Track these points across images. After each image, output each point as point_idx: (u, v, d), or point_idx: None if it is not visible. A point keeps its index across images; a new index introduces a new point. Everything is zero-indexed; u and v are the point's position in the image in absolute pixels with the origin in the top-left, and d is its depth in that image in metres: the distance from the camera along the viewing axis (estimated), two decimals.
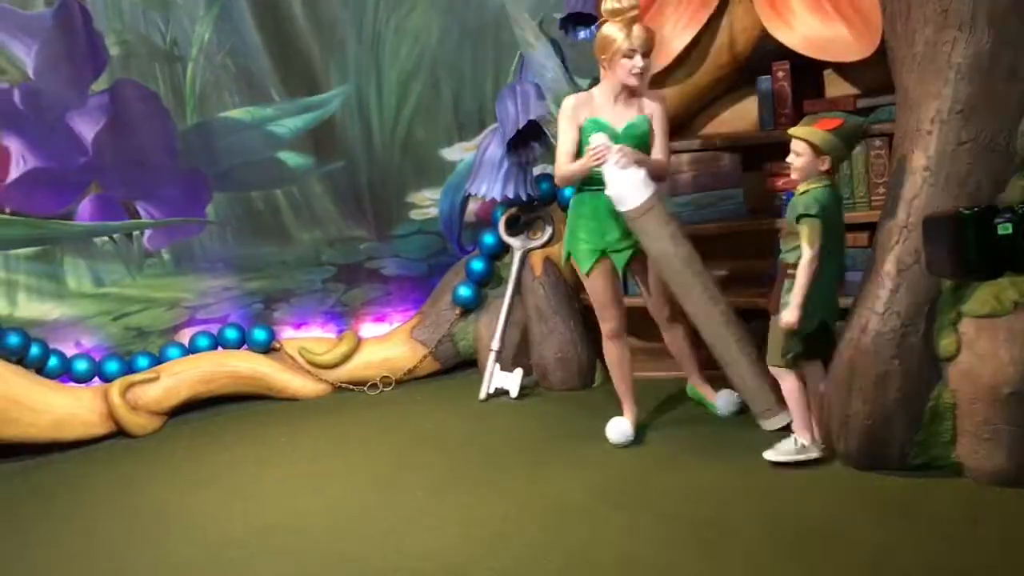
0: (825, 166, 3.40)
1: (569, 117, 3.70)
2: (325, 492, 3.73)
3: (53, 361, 4.55)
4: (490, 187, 4.38)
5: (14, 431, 4.24)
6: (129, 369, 4.71)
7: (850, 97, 4.19)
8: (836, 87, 4.36)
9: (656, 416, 4.10)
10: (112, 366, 4.67)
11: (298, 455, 4.15)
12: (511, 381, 4.51)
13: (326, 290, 5.24)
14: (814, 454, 3.47)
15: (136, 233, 4.92)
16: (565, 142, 3.71)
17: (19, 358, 4.40)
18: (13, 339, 4.34)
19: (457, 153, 5.17)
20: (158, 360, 4.79)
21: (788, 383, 3.52)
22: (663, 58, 4.32)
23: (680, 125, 4.70)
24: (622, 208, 3.60)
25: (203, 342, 4.88)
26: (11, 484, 4.16)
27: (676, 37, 4.31)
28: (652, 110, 3.75)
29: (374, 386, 4.84)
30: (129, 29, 4.81)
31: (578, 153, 3.69)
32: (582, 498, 3.45)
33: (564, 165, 3.70)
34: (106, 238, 4.87)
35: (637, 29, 3.61)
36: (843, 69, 4.29)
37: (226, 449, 4.31)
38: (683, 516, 3.25)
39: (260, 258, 5.14)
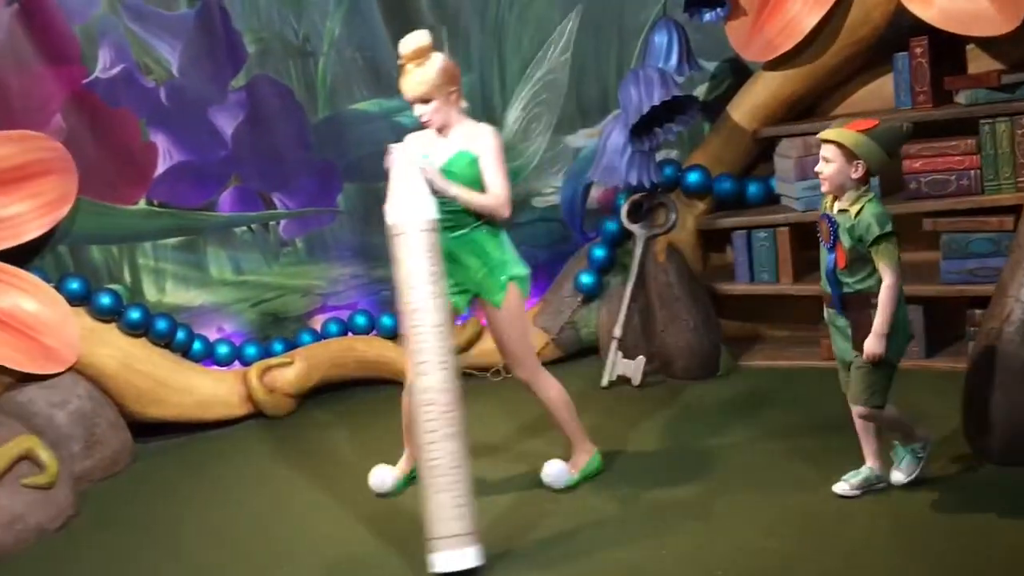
0: (859, 173, 3.01)
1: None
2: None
3: (197, 345, 4.79)
4: (615, 174, 4.36)
5: (162, 411, 4.50)
6: (266, 353, 4.91)
7: (994, 73, 3.99)
8: (979, 63, 4.15)
9: (791, 407, 4.01)
10: (251, 350, 4.88)
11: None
12: (633, 369, 4.50)
13: None
14: (883, 483, 3.24)
15: (272, 223, 5.14)
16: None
17: (166, 342, 4.65)
18: (161, 324, 4.59)
19: (579, 140, 5.17)
20: (293, 345, 4.98)
21: (889, 414, 3.20)
22: (791, 38, 4.21)
23: (810, 107, 4.58)
24: (388, 219, 3.31)
25: (334, 328, 5.05)
26: (163, 459, 4.42)
27: (806, 15, 4.19)
28: (475, 145, 3.48)
29: (496, 372, 4.90)
30: (265, 27, 5.00)
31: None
32: (697, 490, 3.42)
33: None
34: (245, 228, 5.10)
35: (409, 76, 3.44)
36: (987, 43, 4.09)
37: (354, 431, 4.45)
38: (813, 513, 3.20)
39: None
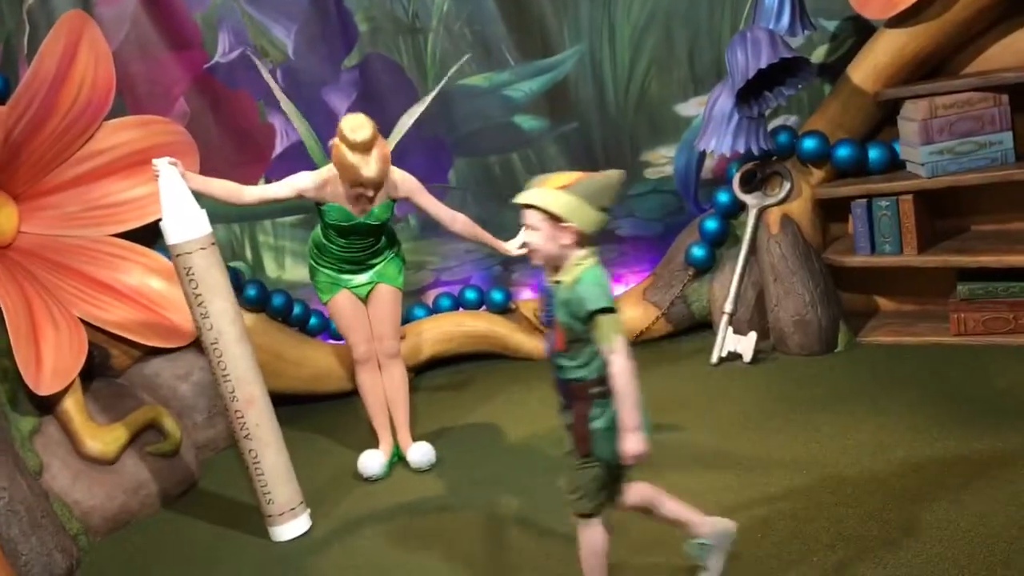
0: (570, 239, 2.46)
1: (292, 185, 3.63)
2: (545, 452, 3.77)
3: (313, 320, 4.94)
4: (720, 142, 4.19)
5: (279, 383, 4.64)
6: None
7: None
8: None
9: (915, 387, 3.78)
10: None
11: (526, 413, 4.25)
12: (745, 345, 4.34)
13: None
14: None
15: None
16: (272, 188, 3.71)
17: (283, 317, 4.82)
18: (278, 300, 4.76)
19: (693, 108, 4.99)
20: (405, 320, 5.06)
21: (594, 535, 2.60)
22: None
23: (937, 65, 4.27)
24: (167, 239, 3.32)
25: (445, 303, 5.11)
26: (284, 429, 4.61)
27: None
28: (404, 188, 3.71)
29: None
30: (375, 5, 5.05)
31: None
32: (807, 475, 3.26)
33: (246, 189, 3.66)
34: None
35: (371, 165, 3.48)
36: None
37: (466, 404, 4.50)
38: (923, 492, 3.00)
39: (499, 221, 5.21)
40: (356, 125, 3.52)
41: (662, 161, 5.19)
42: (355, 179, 3.53)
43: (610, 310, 2.46)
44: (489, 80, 5.16)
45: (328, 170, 3.64)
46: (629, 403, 2.44)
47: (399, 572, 3.15)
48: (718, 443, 3.62)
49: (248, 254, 5.01)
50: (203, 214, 3.38)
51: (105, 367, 4.19)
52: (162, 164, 3.36)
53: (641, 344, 4.82)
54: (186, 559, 3.52)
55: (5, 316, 3.59)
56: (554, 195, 2.48)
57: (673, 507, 2.71)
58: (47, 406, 3.78)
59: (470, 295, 5.10)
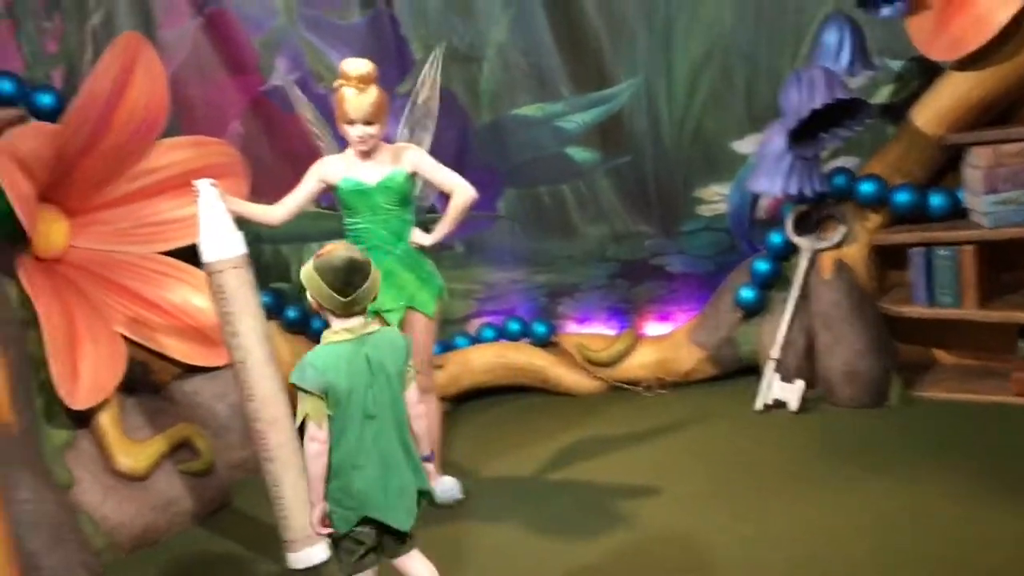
0: (316, 307, 2.61)
1: (312, 173, 3.75)
2: (574, 494, 3.70)
3: None
4: (772, 183, 4.08)
5: None
6: None
7: None
8: None
9: (971, 448, 3.61)
10: None
11: (559, 451, 4.15)
12: (791, 393, 4.19)
13: (610, 286, 5.20)
14: None
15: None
16: (296, 192, 3.77)
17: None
18: (317, 324, 4.76)
19: (749, 146, 4.87)
20: (447, 348, 5.04)
21: None
22: (982, 34, 3.75)
23: (1004, 112, 4.08)
24: (202, 258, 3.38)
25: (488, 333, 5.05)
26: None
27: (999, 8, 3.72)
28: (410, 159, 3.72)
29: (648, 387, 4.73)
30: (432, 34, 5.05)
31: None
32: (842, 538, 3.10)
33: (274, 208, 3.74)
34: None
35: (361, 99, 3.54)
36: None
37: (501, 438, 4.42)
38: (964, 568, 2.82)
39: (546, 252, 5.22)
40: (356, 61, 3.60)
41: (716, 198, 5.07)
42: (345, 114, 3.57)
43: (301, 389, 2.57)
44: (542, 110, 5.11)
45: (340, 154, 3.78)
46: (311, 476, 2.62)
47: None
48: (753, 494, 3.49)
49: (294, 276, 5.03)
50: (239, 235, 3.40)
51: (146, 382, 4.23)
52: (203, 185, 3.40)
53: (685, 386, 4.71)
54: None
55: (43, 330, 3.64)
56: (305, 267, 2.63)
57: None
58: (83, 420, 3.83)
59: (513, 326, 5.04)
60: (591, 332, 5.06)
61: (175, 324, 4.30)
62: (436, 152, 5.17)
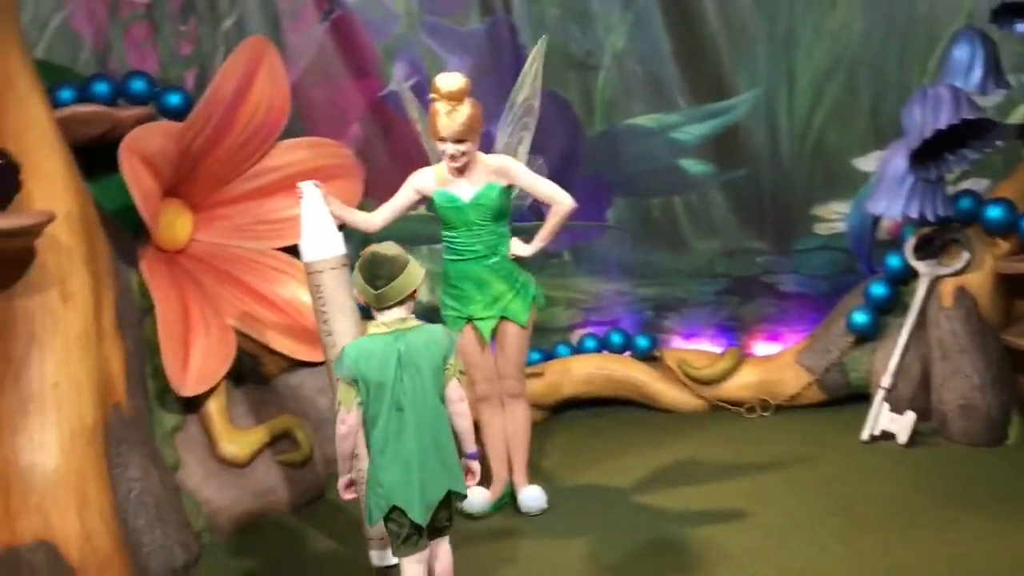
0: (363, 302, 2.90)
1: (409, 183, 3.79)
2: (659, 514, 3.64)
3: None
4: (891, 204, 3.89)
5: None
6: None
7: None
8: None
9: None
10: None
11: (651, 468, 4.09)
12: (901, 425, 3.99)
13: (719, 302, 5.08)
14: None
15: None
16: (392, 201, 3.83)
17: None
18: None
19: (872, 163, 4.66)
20: (549, 356, 5.02)
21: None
22: None
23: None
24: (303, 257, 3.49)
25: (589, 344, 5.02)
26: None
27: None
28: (500, 173, 3.68)
29: (751, 409, 4.59)
30: (550, 41, 5.07)
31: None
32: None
33: (373, 215, 3.85)
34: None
35: (452, 116, 3.53)
36: None
37: (594, 451, 4.37)
38: None
39: (654, 265, 5.14)
40: (449, 75, 3.62)
41: (834, 216, 4.88)
42: (436, 131, 3.59)
43: (341, 380, 2.83)
44: (657, 121, 5.03)
45: (436, 166, 3.80)
46: (338, 456, 2.93)
47: None
48: (846, 530, 3.34)
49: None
50: (339, 236, 3.50)
51: (254, 374, 4.40)
52: (307, 187, 3.52)
53: (789, 410, 4.55)
54: (298, 567, 3.62)
55: (158, 319, 3.84)
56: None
57: None
58: (192, 406, 4.01)
59: (615, 338, 4.98)
60: (695, 348, 4.96)
61: (284, 319, 4.45)
62: (548, 159, 5.22)
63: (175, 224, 4.27)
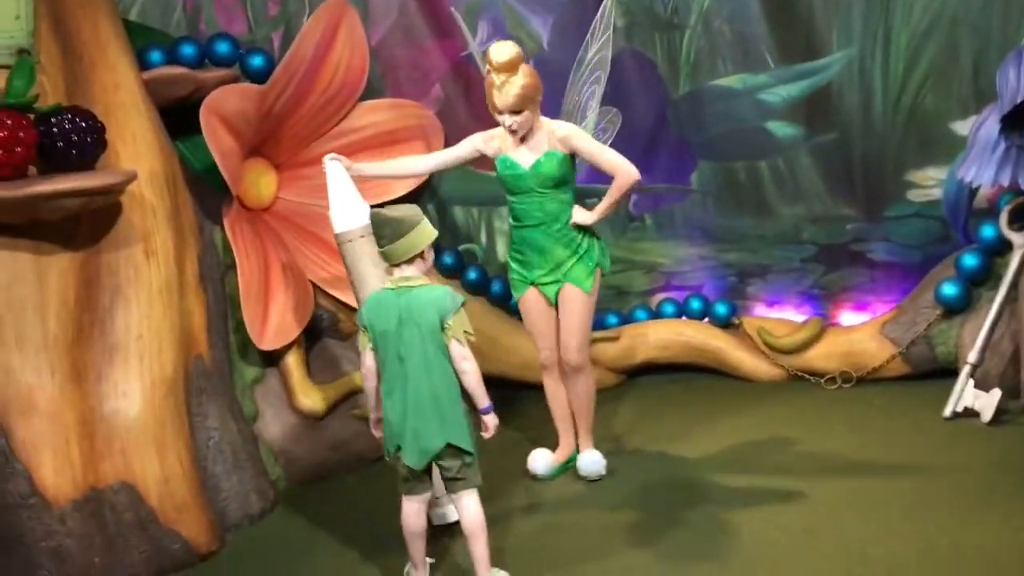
0: None
1: (471, 140, 3.79)
2: (722, 484, 3.59)
3: None
4: (980, 172, 3.70)
5: (490, 367, 4.70)
6: (598, 325, 4.97)
7: None
8: None
9: None
10: None
11: (721, 437, 4.04)
12: (985, 402, 3.82)
13: (804, 270, 4.93)
14: None
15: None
16: (449, 150, 3.92)
17: (501, 304, 4.89)
18: (496, 286, 4.84)
19: (969, 127, 4.43)
20: (626, 320, 4.99)
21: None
22: None
23: None
24: (334, 228, 3.56)
25: (668, 309, 4.95)
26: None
27: None
28: (564, 142, 3.63)
29: (831, 380, 4.46)
30: (635, 0, 4.97)
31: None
32: (1005, 565, 2.82)
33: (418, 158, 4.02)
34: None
35: (505, 88, 3.48)
36: None
37: (665, 418, 4.35)
38: None
39: (738, 230, 5.02)
40: (501, 47, 3.57)
41: (929, 183, 4.66)
42: (492, 103, 3.57)
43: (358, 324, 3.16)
44: (744, 82, 4.88)
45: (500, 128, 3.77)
46: (365, 392, 3.23)
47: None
48: (917, 509, 3.25)
49: (483, 238, 5.16)
50: (366, 206, 3.57)
51: (332, 331, 4.51)
52: (328, 161, 3.65)
53: (871, 383, 4.42)
54: (367, 518, 3.73)
55: (239, 274, 3.98)
56: None
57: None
58: (272, 359, 4.15)
59: (695, 304, 4.91)
60: (776, 317, 4.84)
61: None
62: (630, 121, 5.14)
63: (259, 183, 4.40)
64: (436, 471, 3.11)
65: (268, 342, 4.03)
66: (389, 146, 4.70)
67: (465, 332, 2.98)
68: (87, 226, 3.47)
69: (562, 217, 3.70)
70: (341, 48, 4.37)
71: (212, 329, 3.87)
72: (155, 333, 3.53)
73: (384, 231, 3.00)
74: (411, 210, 3.04)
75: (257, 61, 4.27)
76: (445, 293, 3.00)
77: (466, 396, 3.04)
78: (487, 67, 3.57)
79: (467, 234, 5.16)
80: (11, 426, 3.15)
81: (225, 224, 4.09)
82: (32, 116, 3.23)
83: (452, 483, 3.06)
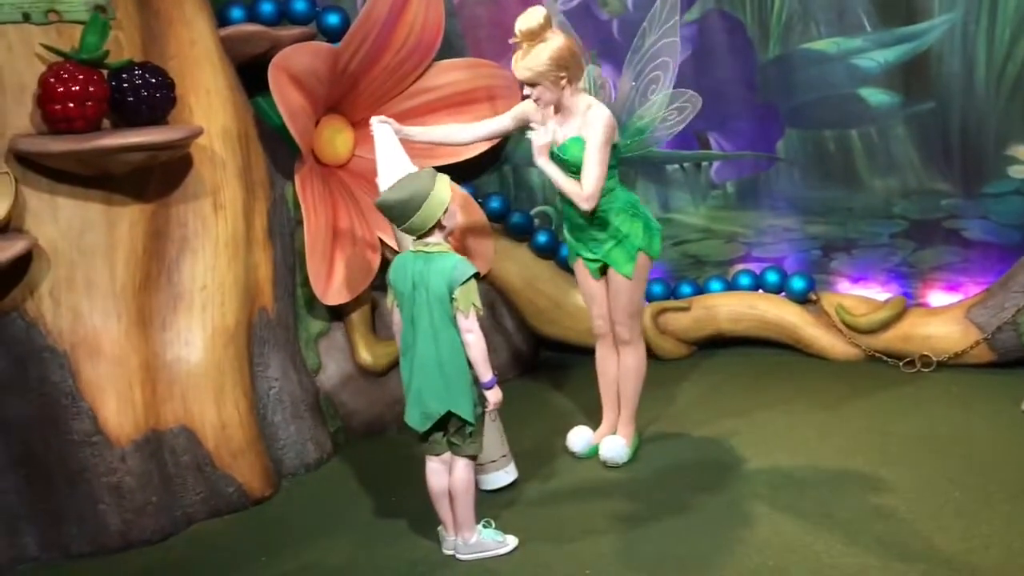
0: None
1: (517, 108, 3.68)
2: (772, 471, 3.48)
3: None
4: None
5: (555, 330, 4.78)
6: (671, 294, 4.89)
7: None
8: None
9: None
10: (656, 288, 4.89)
11: (785, 418, 3.92)
12: None
13: (893, 246, 4.70)
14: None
15: (705, 164, 5.00)
16: (494, 119, 3.83)
17: (568, 268, 4.85)
18: (565, 251, 4.77)
19: None
20: (700, 290, 4.88)
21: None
22: None
23: None
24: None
25: (744, 280, 4.81)
26: (560, 371, 4.71)
27: None
28: (586, 131, 3.43)
29: (910, 363, 4.25)
30: None
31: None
32: None
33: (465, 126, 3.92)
34: (677, 166, 5.04)
35: (520, 60, 3.39)
36: None
37: (728, 398, 4.23)
38: None
39: (825, 202, 4.81)
40: (528, 13, 3.41)
41: None
42: (515, 74, 3.44)
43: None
44: (837, 46, 4.63)
45: None
46: None
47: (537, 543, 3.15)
48: (972, 503, 3.10)
49: (558, 201, 5.11)
50: (413, 170, 3.52)
51: None
52: (376, 123, 3.63)
53: (951, 368, 4.20)
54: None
55: (305, 230, 4.06)
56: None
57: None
58: (339, 314, 4.25)
59: (771, 277, 4.75)
60: (857, 294, 4.63)
61: None
62: (716, 85, 4.96)
63: (335, 140, 4.46)
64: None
65: (332, 297, 4.12)
66: (466, 105, 4.70)
67: (473, 304, 2.99)
68: (158, 178, 3.60)
69: (599, 202, 3.49)
70: (416, 7, 4.36)
71: (278, 282, 3.98)
72: (219, 284, 3.66)
73: (393, 214, 3.04)
74: (418, 183, 3.02)
75: (333, 19, 4.31)
76: (455, 264, 3.01)
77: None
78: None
79: (544, 196, 5.13)
80: (78, 367, 3.32)
81: (296, 180, 4.18)
82: (104, 71, 3.36)
83: (452, 447, 3.13)
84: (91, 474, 3.32)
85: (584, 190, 3.41)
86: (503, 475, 3.58)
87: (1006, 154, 4.35)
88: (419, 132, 3.76)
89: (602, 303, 3.71)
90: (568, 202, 3.59)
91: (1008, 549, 2.81)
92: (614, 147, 3.52)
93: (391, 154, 3.58)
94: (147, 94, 3.39)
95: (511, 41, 3.49)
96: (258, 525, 3.49)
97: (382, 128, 3.60)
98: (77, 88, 3.21)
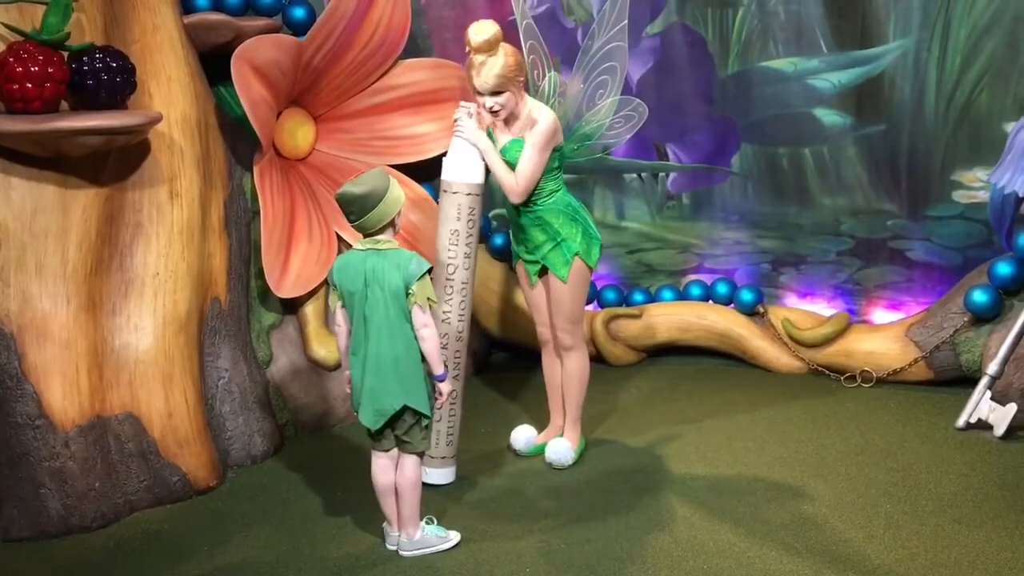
0: None
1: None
2: (707, 480, 3.55)
3: None
4: (1014, 178, 3.55)
5: (508, 333, 4.82)
6: (624, 302, 4.96)
7: None
8: None
9: None
10: (609, 295, 4.96)
11: (726, 427, 4.00)
12: (999, 416, 3.70)
13: (839, 263, 4.83)
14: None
15: (662, 174, 5.09)
16: None
17: None
18: None
19: None
20: (652, 299, 4.96)
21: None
22: None
23: None
24: (444, 175, 3.58)
25: (695, 291, 4.90)
26: (508, 372, 4.77)
27: None
28: (528, 131, 3.51)
29: (851, 378, 4.37)
30: None
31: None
32: None
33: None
34: (635, 175, 5.13)
35: (483, 70, 3.41)
36: None
37: (670, 404, 4.31)
38: None
39: (776, 217, 4.92)
40: (480, 26, 3.44)
41: (976, 184, 4.49)
42: (472, 85, 3.47)
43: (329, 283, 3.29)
44: (795, 65, 4.75)
45: None
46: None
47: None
48: (906, 518, 3.18)
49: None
50: (481, 165, 3.57)
51: None
52: (464, 114, 3.58)
53: (890, 384, 4.32)
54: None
55: (262, 221, 4.06)
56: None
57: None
58: (292, 307, 4.25)
59: (721, 288, 4.84)
60: (803, 308, 4.74)
61: None
62: (676, 97, 5.05)
63: (297, 133, 4.45)
64: None
65: (286, 290, 4.12)
66: (429, 105, 4.71)
67: (428, 299, 3.03)
68: (114, 163, 3.58)
69: (538, 201, 3.58)
70: (383, 5, 4.37)
71: (232, 273, 3.98)
72: (172, 272, 3.64)
73: (352, 208, 3.05)
74: (377, 180, 3.05)
75: (299, 13, 4.31)
76: (411, 258, 3.04)
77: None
78: (466, 47, 3.45)
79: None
80: (24, 350, 3.30)
81: (255, 171, 4.17)
82: (65, 54, 3.34)
83: (401, 444, 3.15)
84: (33, 458, 3.29)
85: (517, 183, 3.52)
86: (439, 475, 3.62)
87: (951, 179, 4.49)
88: (487, 149, 3.59)
89: (543, 311, 3.75)
90: (509, 205, 3.66)
91: (933, 560, 2.90)
92: (558, 150, 3.59)
93: (466, 146, 3.55)
94: (107, 78, 3.37)
95: (468, 51, 3.49)
96: (201, 516, 3.49)
97: (470, 122, 3.54)
98: (36, 68, 3.19)
